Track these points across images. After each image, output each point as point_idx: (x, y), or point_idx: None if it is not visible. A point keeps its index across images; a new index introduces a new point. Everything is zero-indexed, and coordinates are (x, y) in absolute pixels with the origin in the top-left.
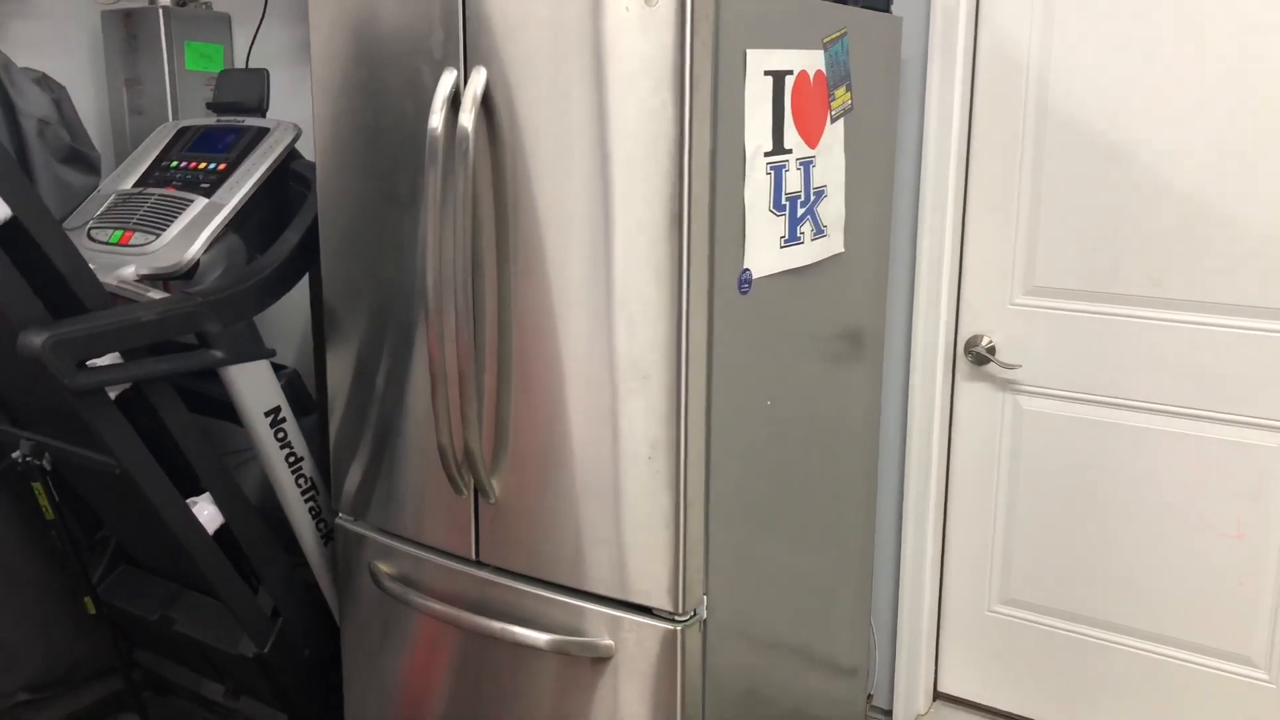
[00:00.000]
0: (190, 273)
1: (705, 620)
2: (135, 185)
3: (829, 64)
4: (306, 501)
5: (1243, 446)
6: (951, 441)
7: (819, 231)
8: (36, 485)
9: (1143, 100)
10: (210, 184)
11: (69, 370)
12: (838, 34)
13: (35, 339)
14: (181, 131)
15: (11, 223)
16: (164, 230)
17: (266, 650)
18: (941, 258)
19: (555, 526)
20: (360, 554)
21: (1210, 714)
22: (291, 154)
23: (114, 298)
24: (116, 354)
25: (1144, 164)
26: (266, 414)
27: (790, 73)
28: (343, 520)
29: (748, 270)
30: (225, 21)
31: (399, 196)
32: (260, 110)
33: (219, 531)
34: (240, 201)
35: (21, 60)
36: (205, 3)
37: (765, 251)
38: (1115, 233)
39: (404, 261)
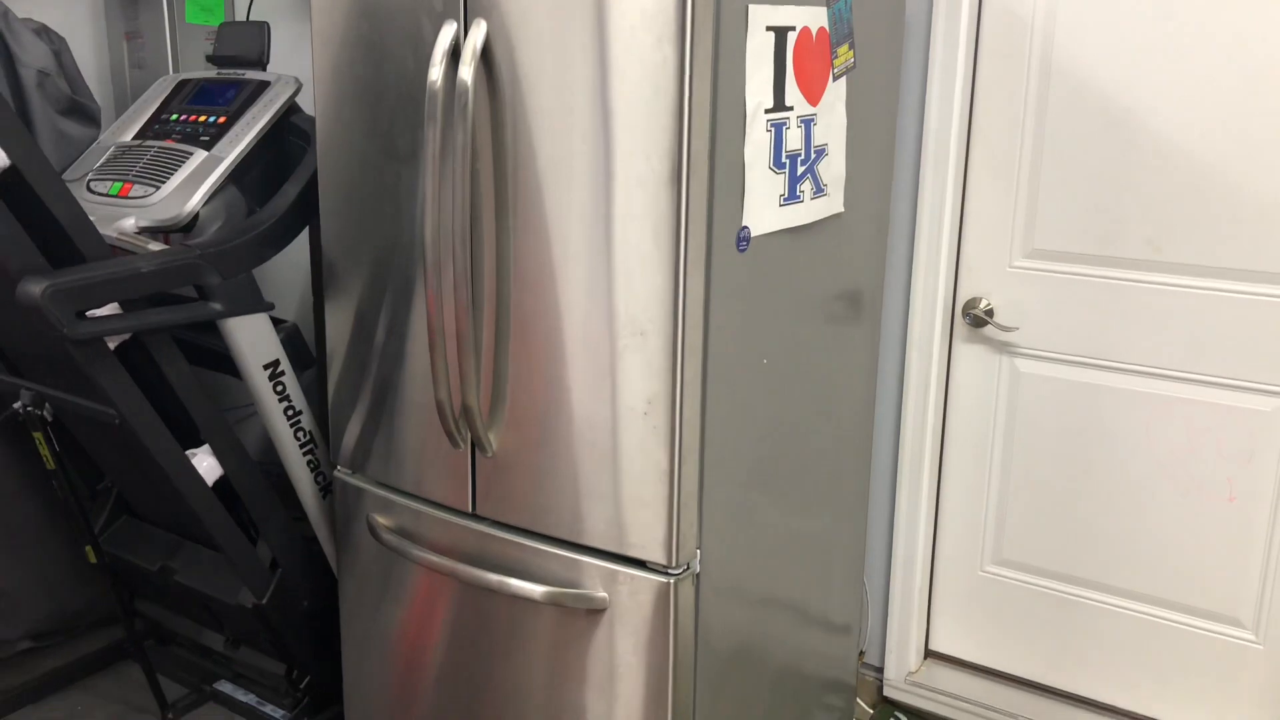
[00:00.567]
0: (190, 225)
1: (698, 574)
2: (135, 138)
3: (832, 21)
4: (305, 455)
5: (1236, 410)
6: (948, 402)
7: (819, 190)
8: (37, 435)
9: (1149, 63)
10: (210, 137)
11: (68, 320)
12: None
13: (34, 288)
14: (181, 84)
15: (11, 172)
16: (164, 183)
17: (265, 601)
18: (942, 219)
19: (551, 480)
20: (358, 507)
21: (1198, 674)
22: (292, 108)
23: (114, 249)
24: (116, 305)
25: (1147, 127)
26: (265, 367)
27: (793, 29)
28: (341, 473)
29: (746, 228)
30: None
31: (398, 150)
32: (260, 64)
33: (218, 484)
34: (240, 155)
35: (22, 12)
36: None
37: (764, 209)
38: (1116, 196)
39: (403, 216)
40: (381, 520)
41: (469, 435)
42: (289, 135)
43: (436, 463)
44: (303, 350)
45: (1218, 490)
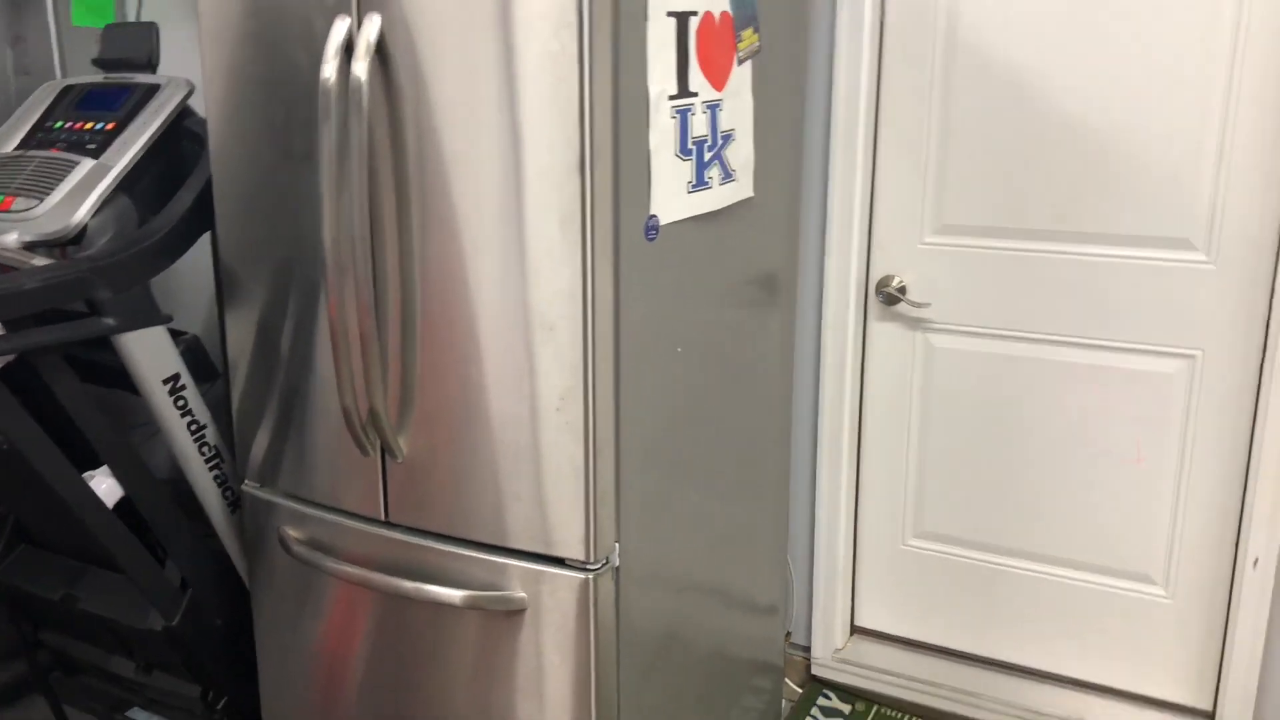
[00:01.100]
0: (78, 238)
1: (618, 568)
2: (17, 148)
3: (735, 4)
4: (211, 470)
5: (1142, 374)
6: (864, 381)
7: (727, 176)
8: None
9: (1052, 37)
10: (98, 144)
11: None
12: None
13: None
14: (66, 90)
15: None
16: (48, 194)
17: (176, 623)
18: (852, 199)
19: (465, 483)
20: (269, 520)
21: (1115, 632)
22: (184, 111)
23: None
24: None
25: (1052, 100)
26: (165, 381)
27: (695, 14)
28: (249, 487)
29: (654, 216)
30: None
31: (295, 151)
32: (150, 66)
33: (121, 504)
34: (130, 162)
35: None
36: None
37: (672, 197)
38: (1022, 169)
39: (302, 218)
40: (293, 533)
41: (378, 441)
42: (182, 140)
43: (347, 471)
44: (205, 362)
45: (1127, 452)
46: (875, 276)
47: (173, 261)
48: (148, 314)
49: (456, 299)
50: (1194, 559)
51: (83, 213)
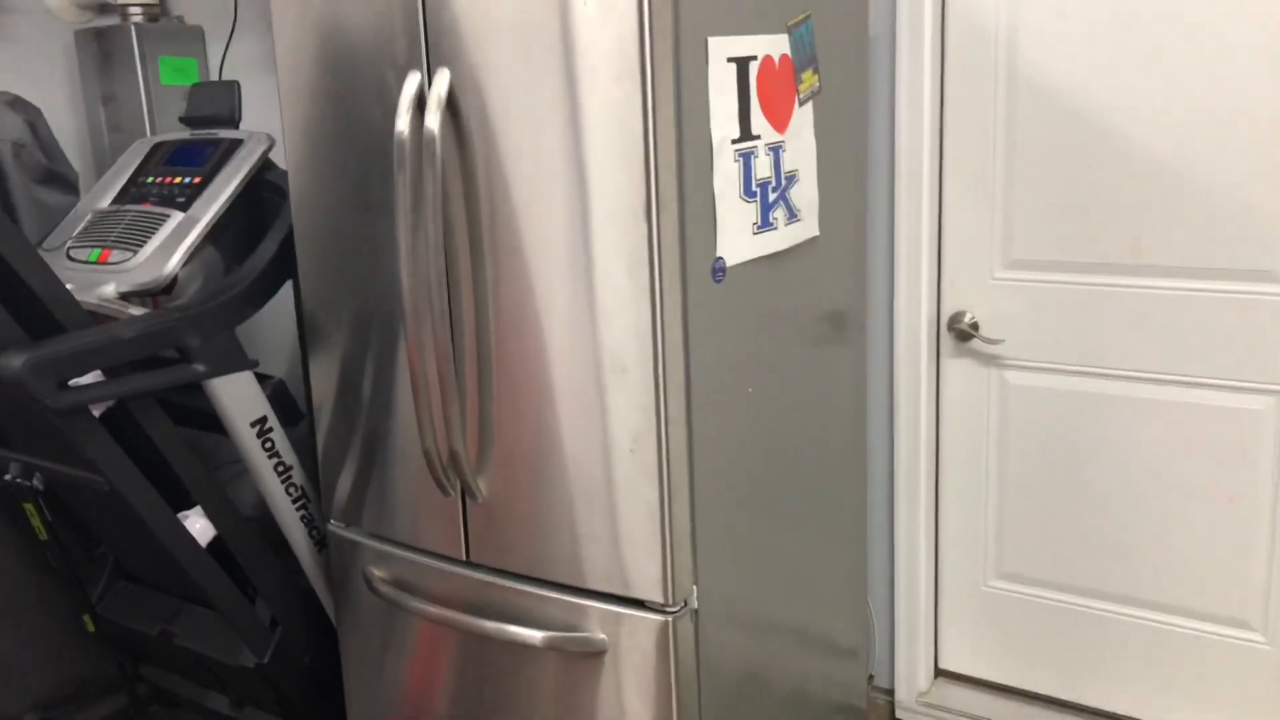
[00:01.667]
0: (169, 287)
1: (697, 610)
2: (112, 203)
3: (794, 47)
4: (298, 510)
5: (1229, 411)
6: (939, 419)
7: (792, 216)
8: (29, 506)
9: (1115, 65)
10: (186, 198)
11: (50, 391)
12: (802, 17)
13: (14, 361)
14: (156, 147)
15: None
16: (141, 246)
17: (267, 660)
18: (920, 235)
19: (543, 524)
20: (354, 560)
21: (1208, 679)
22: (266, 164)
23: (98, 316)
24: (98, 372)
25: (1118, 130)
26: (253, 424)
27: (754, 58)
28: (335, 527)
29: (721, 259)
30: (198, 34)
31: (372, 202)
32: (233, 122)
33: (214, 544)
34: (216, 214)
35: None
36: (178, 17)
37: (738, 239)
38: (1092, 201)
39: (381, 267)
40: (377, 572)
41: (458, 482)
42: (264, 191)
43: (428, 512)
44: (290, 405)
45: (1216, 492)
46: (946, 313)
47: (258, 309)
48: (235, 359)
49: (530, 342)
50: None
51: (173, 263)
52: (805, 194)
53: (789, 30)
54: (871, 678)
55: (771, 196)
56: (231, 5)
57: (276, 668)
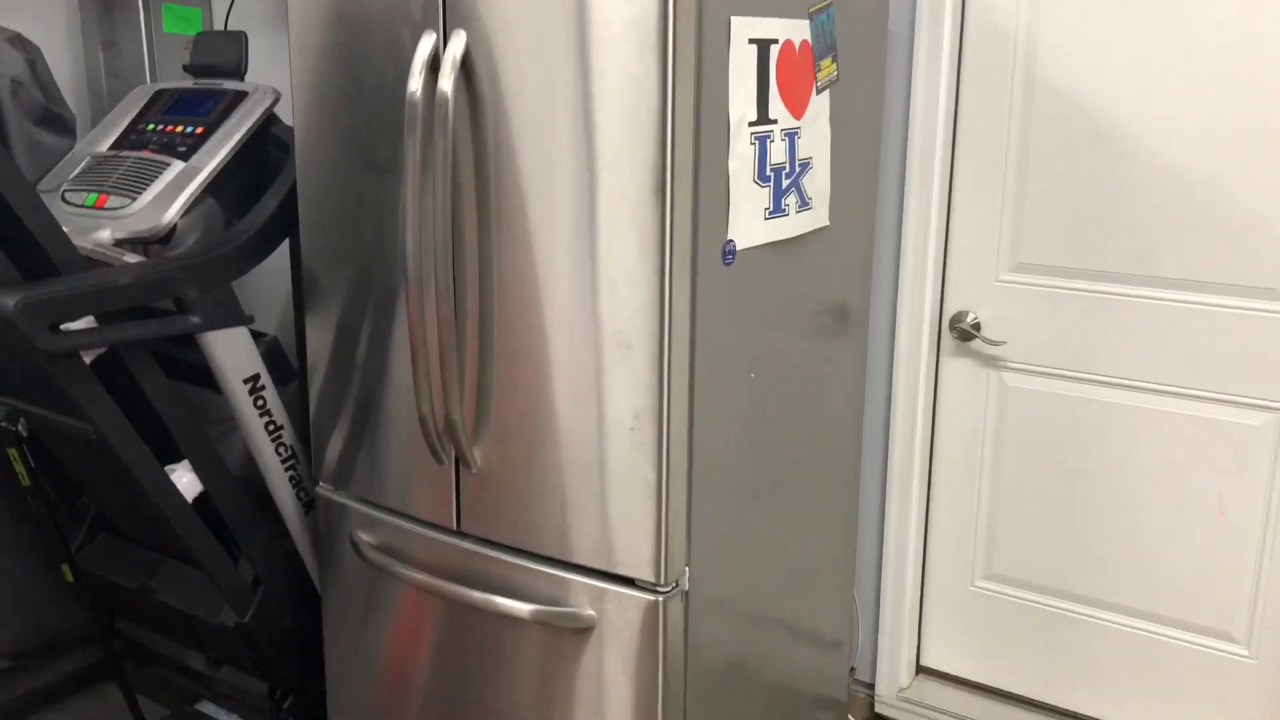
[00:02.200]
0: (167, 237)
1: (687, 592)
2: (111, 148)
3: (815, 34)
4: (287, 470)
5: (1226, 425)
6: (936, 417)
7: (804, 204)
8: (12, 451)
9: (1133, 73)
10: (187, 147)
11: (42, 333)
12: (824, 3)
13: (7, 301)
14: (158, 94)
15: None
16: (140, 193)
17: (247, 620)
18: (927, 233)
19: (537, 496)
20: (342, 523)
21: (1191, 689)
22: (270, 118)
23: (90, 262)
24: (91, 318)
25: (1133, 139)
26: (245, 381)
27: (775, 42)
28: (324, 489)
29: (731, 241)
30: None
31: (379, 161)
32: (238, 74)
33: (199, 500)
34: (218, 165)
35: None
36: None
37: (749, 223)
38: (1103, 209)
39: (384, 228)
40: (365, 537)
41: (453, 451)
42: (268, 146)
43: (420, 479)
44: (284, 364)
45: (1208, 504)
46: (949, 312)
47: (257, 263)
48: (232, 314)
49: (534, 313)
50: (1279, 617)
51: (173, 212)
52: (818, 182)
53: (810, 16)
54: (853, 671)
55: (785, 182)
56: None
57: (257, 628)
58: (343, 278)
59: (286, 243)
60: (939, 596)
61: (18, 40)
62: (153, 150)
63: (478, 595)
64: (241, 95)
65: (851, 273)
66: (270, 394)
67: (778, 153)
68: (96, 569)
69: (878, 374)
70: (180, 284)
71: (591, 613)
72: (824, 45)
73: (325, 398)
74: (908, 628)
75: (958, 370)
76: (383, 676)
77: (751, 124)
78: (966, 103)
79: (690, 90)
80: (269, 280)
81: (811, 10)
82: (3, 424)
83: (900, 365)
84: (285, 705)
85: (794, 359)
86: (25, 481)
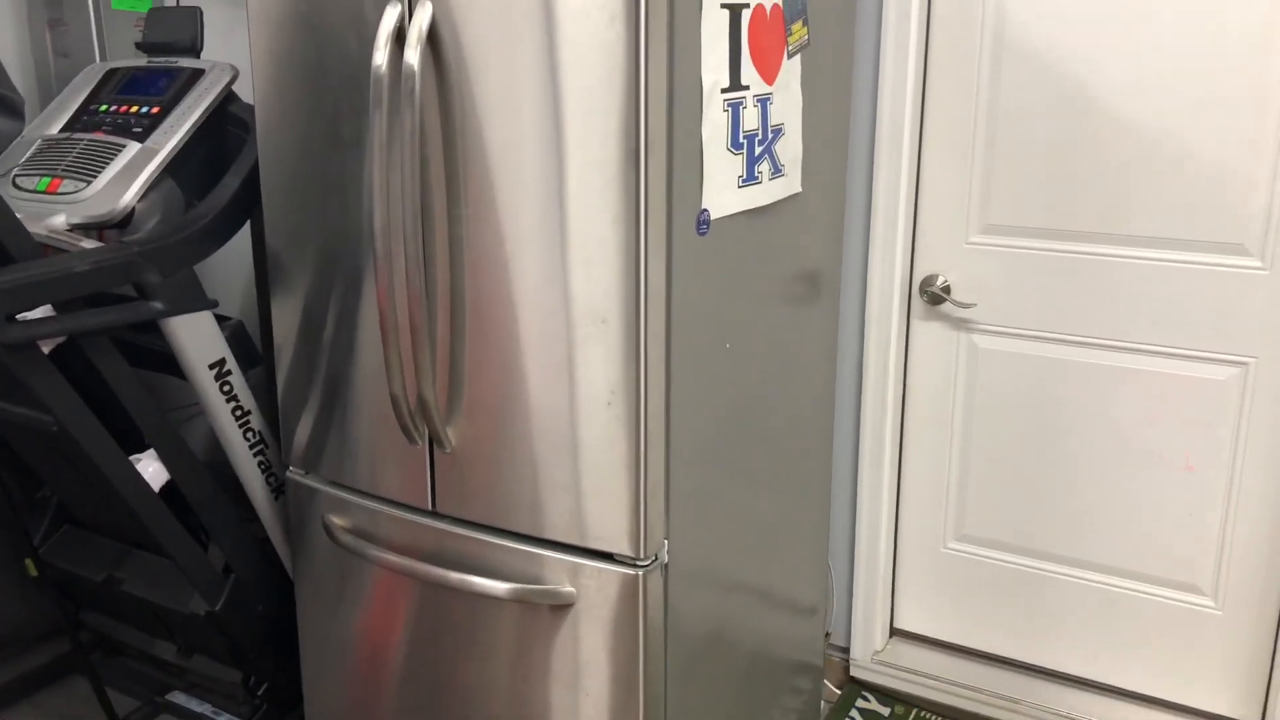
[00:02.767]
0: (125, 221)
1: (667, 565)
2: (62, 130)
3: None
4: (255, 455)
5: (1193, 380)
6: (907, 381)
7: (777, 171)
8: None
9: (1100, 36)
10: (143, 128)
11: None
12: None
13: None
14: (110, 73)
15: None
16: (95, 177)
17: (219, 608)
18: (897, 197)
19: (513, 474)
20: (313, 508)
21: (1160, 641)
22: (229, 96)
23: (44, 248)
24: (49, 307)
25: (1099, 99)
26: (211, 366)
27: (747, 6)
28: (294, 474)
29: (706, 210)
30: None
31: (343, 137)
32: (194, 50)
33: (166, 488)
34: (176, 146)
35: None
36: None
37: (723, 191)
38: (1071, 169)
39: (350, 205)
40: (337, 521)
41: (426, 430)
42: (227, 125)
43: (392, 460)
44: (249, 347)
45: (1176, 459)
46: (920, 275)
47: (220, 246)
48: (195, 298)
49: (508, 289)
50: (1244, 570)
51: (130, 195)
52: (790, 149)
53: None
54: (828, 636)
55: (758, 149)
56: None
57: (229, 615)
58: (308, 257)
59: (248, 224)
60: (912, 559)
61: None
62: (107, 132)
63: (454, 575)
64: (198, 73)
65: (823, 239)
66: (237, 379)
67: (750, 119)
68: (61, 562)
69: (849, 340)
70: (141, 269)
71: (570, 589)
72: (795, 9)
73: (293, 381)
74: (881, 591)
75: (928, 333)
76: (358, 660)
77: (724, 90)
78: (935, 65)
79: (663, 57)
80: (230, 262)
81: None
82: None
83: (871, 330)
84: (260, 692)
85: (768, 327)
86: None
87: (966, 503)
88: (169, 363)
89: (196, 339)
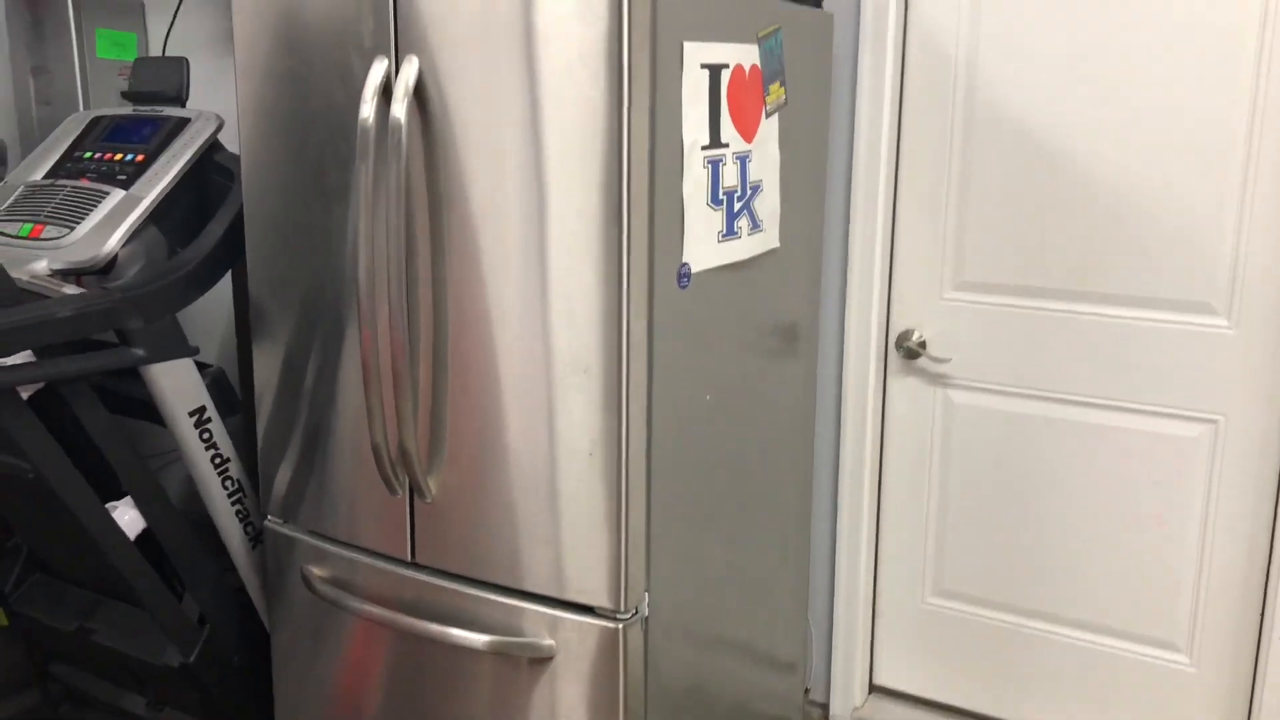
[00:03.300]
0: (108, 267)
1: (647, 618)
2: (46, 176)
3: (764, 59)
4: (234, 504)
5: (1164, 437)
6: (884, 435)
7: (755, 226)
8: None
9: (1070, 97)
10: (128, 175)
11: None
12: (772, 29)
13: None
14: (95, 121)
15: None
16: (79, 223)
17: (193, 659)
18: (873, 253)
19: (494, 525)
20: (291, 557)
21: (1136, 699)
22: (214, 145)
23: (24, 294)
24: (29, 352)
25: (1070, 160)
26: (191, 414)
27: (726, 66)
28: (272, 523)
29: (687, 264)
30: (138, 9)
31: (328, 187)
32: (180, 100)
33: (140, 536)
34: (161, 193)
35: None
36: None
37: (704, 246)
38: (1042, 228)
39: (333, 254)
40: (315, 570)
41: (406, 480)
42: (211, 173)
43: (372, 510)
44: (229, 395)
45: (1149, 516)
46: (895, 330)
47: (203, 293)
48: (176, 345)
49: (490, 339)
50: (1218, 628)
51: (114, 242)
52: (768, 205)
53: (760, 41)
54: (808, 692)
55: (737, 205)
56: None
57: (203, 667)
58: (291, 306)
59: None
60: (891, 614)
61: None
62: (91, 179)
63: (433, 627)
64: (184, 121)
65: (801, 293)
66: (216, 426)
67: (730, 176)
68: (31, 611)
69: (827, 393)
70: (124, 315)
71: (550, 642)
72: (773, 69)
73: (273, 429)
74: (860, 647)
75: (905, 388)
76: (335, 713)
77: (704, 147)
78: (909, 125)
79: (645, 115)
80: (210, 309)
81: (761, 35)
82: None
83: (849, 384)
84: None
85: (747, 380)
86: None
87: (945, 557)
88: (146, 409)
89: (177, 386)
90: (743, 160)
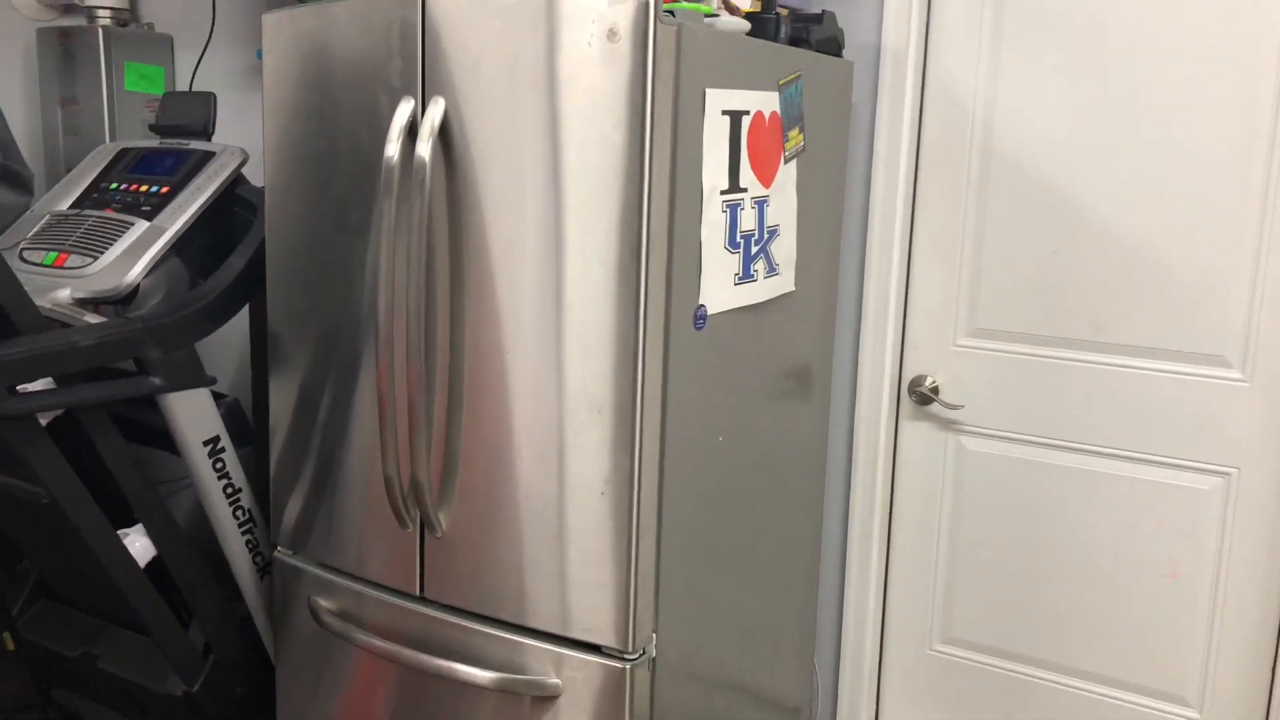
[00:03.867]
0: (130, 297)
1: (654, 659)
2: (72, 206)
3: (783, 106)
4: (243, 534)
5: (1177, 489)
6: (895, 480)
7: (771, 270)
8: None
9: (1085, 149)
10: (152, 207)
11: None
12: (792, 76)
13: None
14: (122, 153)
15: None
16: (103, 253)
17: (196, 689)
18: (887, 298)
19: (504, 562)
20: (299, 588)
21: None
22: (238, 179)
23: (47, 322)
24: (50, 379)
25: (1085, 209)
26: (205, 443)
27: (747, 113)
28: (281, 553)
29: (703, 306)
30: (167, 43)
31: (350, 224)
32: (205, 134)
33: (149, 564)
34: (184, 225)
35: None
36: (147, 24)
37: (720, 288)
38: (1057, 277)
39: (353, 289)
40: (323, 602)
41: (417, 514)
42: (234, 206)
43: (382, 543)
44: (243, 426)
45: (1161, 567)
46: (909, 375)
47: (221, 324)
48: (194, 375)
49: (507, 375)
50: (1229, 681)
51: (136, 272)
52: (785, 249)
53: (780, 89)
54: None
55: (754, 249)
56: (204, 16)
57: (206, 697)
58: (308, 339)
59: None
60: (898, 660)
61: None
62: (116, 209)
63: (440, 662)
64: (209, 155)
65: (815, 337)
66: (230, 456)
67: (747, 220)
68: (37, 636)
69: (839, 437)
70: (143, 344)
71: (556, 680)
72: (792, 116)
73: (286, 460)
74: (867, 692)
75: (917, 433)
76: None
77: (723, 192)
78: (925, 172)
79: (666, 159)
80: (225, 341)
81: (781, 83)
82: None
83: (861, 428)
84: None
85: (759, 422)
86: None
87: (954, 604)
88: (159, 437)
89: (193, 415)
90: (761, 204)
